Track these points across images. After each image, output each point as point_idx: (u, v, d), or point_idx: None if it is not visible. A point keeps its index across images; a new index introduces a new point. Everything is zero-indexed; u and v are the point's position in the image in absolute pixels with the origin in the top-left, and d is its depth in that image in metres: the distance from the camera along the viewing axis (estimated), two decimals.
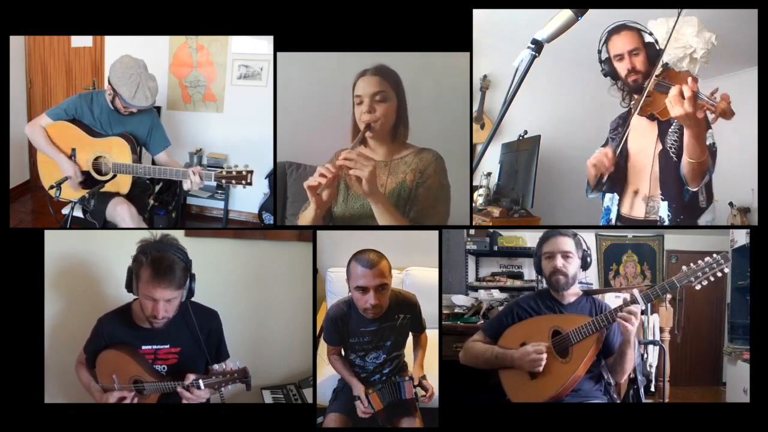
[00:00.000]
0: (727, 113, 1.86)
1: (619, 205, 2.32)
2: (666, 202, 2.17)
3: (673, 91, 1.86)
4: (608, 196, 2.34)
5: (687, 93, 1.83)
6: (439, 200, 2.00)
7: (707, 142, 2.00)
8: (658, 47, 2.13)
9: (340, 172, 1.87)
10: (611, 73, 2.21)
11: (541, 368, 1.90)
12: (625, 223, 2.31)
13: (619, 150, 2.19)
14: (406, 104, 2.03)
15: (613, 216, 2.31)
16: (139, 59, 2.55)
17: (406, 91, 2.03)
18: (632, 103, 2.23)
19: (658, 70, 2.11)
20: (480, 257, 3.74)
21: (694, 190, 2.10)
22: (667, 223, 2.17)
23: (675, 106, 1.86)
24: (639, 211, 2.25)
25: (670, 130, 2.15)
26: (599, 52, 2.21)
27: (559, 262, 2.01)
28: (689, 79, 1.87)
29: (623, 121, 2.30)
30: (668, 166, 2.15)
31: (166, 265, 1.90)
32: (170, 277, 1.90)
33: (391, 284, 2.05)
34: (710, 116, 1.89)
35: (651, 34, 2.14)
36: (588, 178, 2.33)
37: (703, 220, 2.18)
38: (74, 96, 2.67)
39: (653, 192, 2.21)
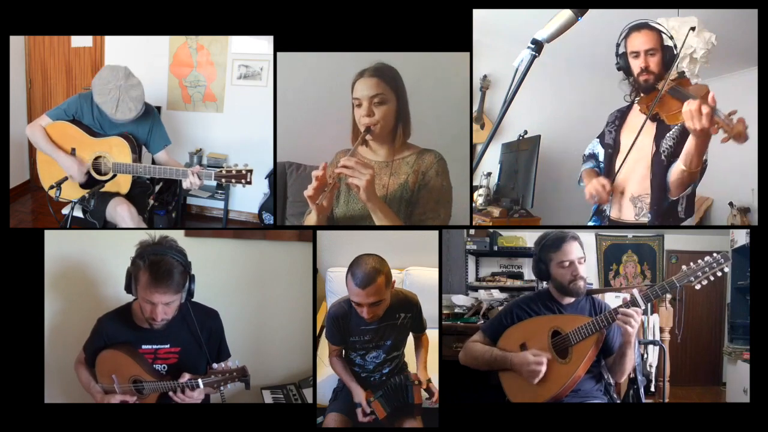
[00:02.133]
0: (742, 136, 1.85)
1: (600, 217, 2.31)
2: (649, 205, 2.18)
3: (693, 105, 1.85)
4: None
5: (705, 109, 1.82)
6: (440, 203, 2.00)
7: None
8: (675, 51, 2.12)
9: (338, 178, 1.87)
10: (625, 68, 2.20)
11: (537, 380, 1.90)
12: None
13: (617, 173, 2.18)
14: (406, 104, 2.02)
15: (605, 222, 2.31)
16: (120, 67, 2.49)
17: (406, 90, 2.02)
18: (637, 99, 2.23)
19: (674, 75, 2.11)
20: (480, 257, 3.74)
21: (673, 199, 2.12)
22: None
23: (692, 118, 1.85)
24: (628, 214, 2.24)
25: (668, 135, 2.13)
26: (617, 45, 2.20)
27: (579, 269, 1.99)
28: (710, 96, 1.86)
29: (621, 115, 2.31)
30: (659, 170, 2.14)
31: (165, 269, 1.88)
32: (168, 281, 1.89)
33: (391, 292, 2.03)
34: (722, 135, 1.87)
35: (671, 37, 2.13)
36: (582, 176, 2.36)
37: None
38: (74, 96, 2.66)
39: (641, 192, 2.20)
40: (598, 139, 2.38)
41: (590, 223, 2.36)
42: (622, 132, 2.26)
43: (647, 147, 2.17)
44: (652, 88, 2.13)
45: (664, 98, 2.07)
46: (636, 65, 2.15)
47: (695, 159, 1.95)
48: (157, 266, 1.88)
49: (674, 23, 2.31)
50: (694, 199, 2.19)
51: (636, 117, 2.22)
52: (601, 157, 2.33)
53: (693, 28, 2.15)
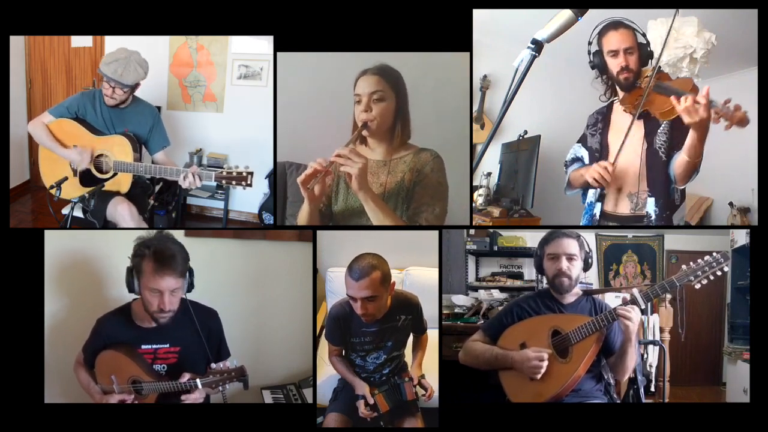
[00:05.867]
0: (743, 121, 1.91)
1: (602, 202, 2.32)
2: (653, 198, 2.19)
3: (688, 100, 1.89)
4: (591, 191, 2.33)
5: (702, 101, 1.87)
6: (435, 198, 2.00)
7: None
8: (649, 49, 2.17)
9: (332, 167, 1.89)
10: (599, 66, 2.23)
11: (539, 376, 1.90)
12: (610, 220, 2.31)
13: (617, 157, 2.18)
14: (407, 105, 2.03)
15: (597, 211, 2.31)
16: (132, 50, 2.57)
17: (407, 93, 2.03)
18: (616, 99, 2.26)
19: (653, 71, 2.12)
20: (480, 257, 3.74)
21: (681, 187, 2.17)
22: (654, 218, 2.20)
23: (690, 113, 1.90)
24: (624, 208, 2.26)
25: (659, 130, 2.16)
26: (590, 43, 2.22)
27: (564, 264, 2.00)
28: (706, 89, 1.90)
29: (603, 117, 2.33)
30: (656, 164, 2.17)
31: (169, 254, 1.94)
32: (174, 265, 1.93)
33: (389, 291, 2.03)
34: (724, 123, 1.92)
35: (644, 35, 2.17)
36: (570, 180, 2.39)
37: (677, 217, 2.24)
38: (77, 94, 2.69)
39: (638, 189, 2.22)
40: (579, 143, 2.40)
41: (584, 220, 2.37)
42: (609, 133, 2.28)
43: (638, 144, 2.19)
44: (633, 86, 2.17)
45: (650, 95, 2.09)
46: (615, 64, 2.18)
47: (698, 149, 2.01)
48: (162, 252, 1.93)
49: (674, 23, 2.31)
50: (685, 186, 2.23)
51: (620, 116, 2.26)
52: (587, 160, 2.35)
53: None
